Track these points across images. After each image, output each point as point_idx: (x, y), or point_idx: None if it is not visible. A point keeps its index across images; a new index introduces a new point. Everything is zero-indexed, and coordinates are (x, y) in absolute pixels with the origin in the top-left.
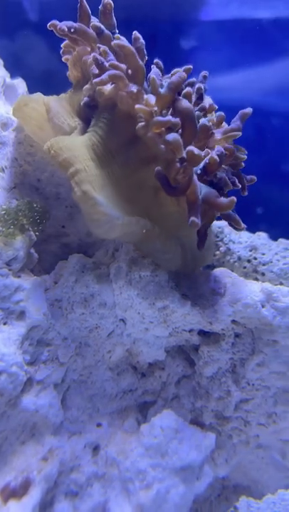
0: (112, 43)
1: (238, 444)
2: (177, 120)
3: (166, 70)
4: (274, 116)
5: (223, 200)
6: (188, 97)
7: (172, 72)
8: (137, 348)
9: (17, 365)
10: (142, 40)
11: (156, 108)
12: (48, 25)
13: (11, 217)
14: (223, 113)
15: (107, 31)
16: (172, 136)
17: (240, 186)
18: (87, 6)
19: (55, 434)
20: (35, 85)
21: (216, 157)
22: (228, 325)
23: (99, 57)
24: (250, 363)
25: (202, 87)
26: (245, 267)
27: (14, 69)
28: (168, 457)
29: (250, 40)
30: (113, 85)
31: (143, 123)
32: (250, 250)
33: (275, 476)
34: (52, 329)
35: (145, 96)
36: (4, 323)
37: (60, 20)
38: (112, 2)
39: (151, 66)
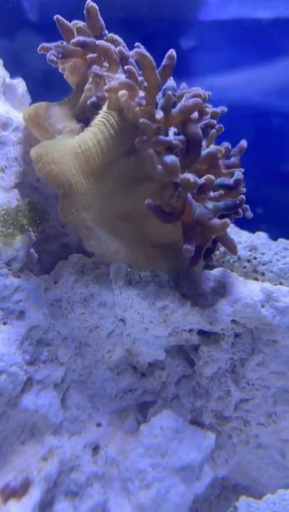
0: (134, 51)
1: (238, 443)
2: (178, 143)
3: None
4: (274, 116)
5: (215, 222)
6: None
7: (190, 90)
8: (137, 348)
9: (17, 365)
10: (174, 61)
11: (161, 125)
12: (39, 49)
13: (11, 217)
14: (229, 145)
15: (89, 39)
16: (170, 159)
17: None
18: (66, 22)
19: (54, 434)
20: (35, 85)
21: (213, 177)
22: (228, 325)
23: (125, 52)
24: (250, 363)
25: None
26: (244, 267)
27: (14, 69)
28: (168, 457)
29: (250, 40)
30: (125, 92)
31: (144, 137)
32: (250, 250)
33: (274, 475)
34: (52, 329)
35: (155, 110)
36: (4, 323)
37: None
38: (95, 6)
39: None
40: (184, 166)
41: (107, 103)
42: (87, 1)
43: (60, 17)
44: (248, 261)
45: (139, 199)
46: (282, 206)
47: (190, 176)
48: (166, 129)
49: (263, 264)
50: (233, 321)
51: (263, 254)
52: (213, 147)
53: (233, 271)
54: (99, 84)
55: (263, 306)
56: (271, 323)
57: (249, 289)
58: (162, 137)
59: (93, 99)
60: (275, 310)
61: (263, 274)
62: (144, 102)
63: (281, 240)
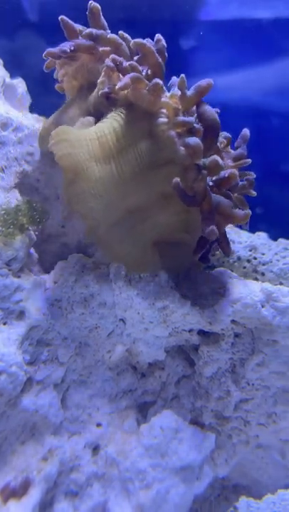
0: (131, 43)
1: (238, 444)
2: (200, 127)
3: (166, 70)
4: (274, 116)
5: (239, 211)
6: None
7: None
8: (137, 348)
9: (17, 365)
10: (163, 42)
11: (180, 106)
12: (44, 55)
13: (11, 217)
14: (229, 135)
15: (100, 32)
16: (194, 140)
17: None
18: (71, 23)
19: (54, 434)
20: (35, 85)
21: (237, 173)
22: (228, 325)
23: (117, 57)
24: (249, 363)
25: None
26: (244, 267)
27: (14, 69)
28: (168, 457)
29: (250, 40)
30: (132, 88)
31: (165, 119)
32: (250, 250)
33: (275, 476)
34: (52, 329)
35: (167, 93)
36: (4, 323)
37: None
38: (98, 5)
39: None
40: (204, 151)
41: (120, 98)
42: (90, 2)
43: (65, 17)
44: (248, 261)
45: (158, 184)
46: (282, 206)
47: (218, 158)
48: (184, 112)
49: (263, 264)
50: (233, 321)
51: (263, 254)
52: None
53: (233, 271)
54: (112, 77)
55: (263, 306)
56: (271, 323)
57: (249, 289)
58: (185, 117)
59: (105, 89)
60: (275, 310)
61: (263, 274)
62: (160, 82)
63: (281, 240)
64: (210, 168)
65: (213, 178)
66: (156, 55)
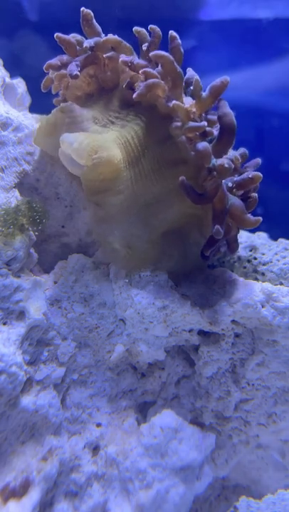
0: (150, 54)
1: (238, 444)
2: (212, 130)
3: None
4: (274, 116)
5: (250, 216)
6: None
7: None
8: (137, 348)
9: (16, 365)
10: (178, 40)
11: (194, 110)
12: (45, 68)
13: (11, 217)
14: (246, 152)
15: (94, 40)
16: (202, 146)
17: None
18: (66, 37)
19: (54, 434)
20: (35, 85)
21: (260, 175)
22: (228, 325)
23: (126, 58)
24: (250, 363)
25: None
26: (245, 267)
27: (14, 69)
28: (168, 457)
29: (250, 40)
30: (152, 92)
31: (178, 123)
32: (250, 250)
33: (274, 476)
34: (51, 329)
35: (185, 98)
36: (4, 323)
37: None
38: (90, 12)
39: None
40: (218, 152)
41: (140, 100)
42: (82, 8)
43: (60, 34)
44: (248, 261)
45: (175, 179)
46: (282, 206)
47: (225, 162)
48: (200, 114)
49: (263, 265)
50: (233, 322)
51: (263, 254)
52: (231, 154)
53: (233, 271)
54: (131, 72)
55: (263, 307)
56: (271, 323)
57: (249, 290)
58: (195, 123)
59: (127, 81)
60: (275, 310)
61: (263, 274)
62: (174, 97)
63: (281, 240)
64: (218, 171)
65: (235, 179)
66: (176, 65)
